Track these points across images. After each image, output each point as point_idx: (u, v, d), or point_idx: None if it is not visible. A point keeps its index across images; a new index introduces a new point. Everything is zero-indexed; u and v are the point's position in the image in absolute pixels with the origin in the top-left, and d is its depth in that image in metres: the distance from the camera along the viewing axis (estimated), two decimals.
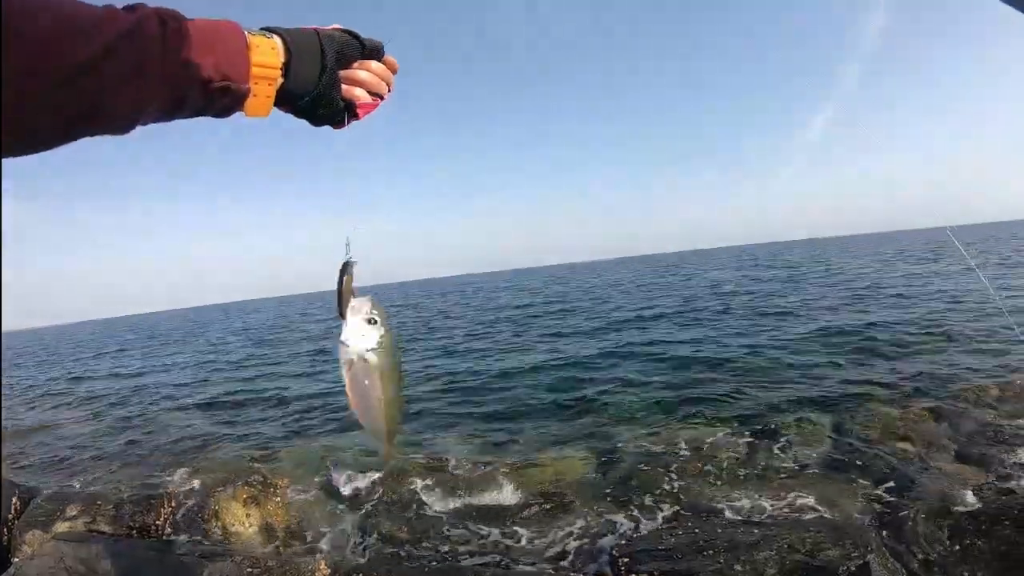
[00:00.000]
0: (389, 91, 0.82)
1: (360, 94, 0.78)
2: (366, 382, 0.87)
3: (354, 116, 0.79)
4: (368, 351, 0.85)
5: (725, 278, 26.34)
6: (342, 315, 0.85)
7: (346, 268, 0.85)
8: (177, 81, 0.58)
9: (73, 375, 17.00)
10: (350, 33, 0.76)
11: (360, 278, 0.88)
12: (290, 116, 0.76)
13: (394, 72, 0.81)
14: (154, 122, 0.61)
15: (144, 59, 0.53)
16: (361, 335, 0.85)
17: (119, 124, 0.56)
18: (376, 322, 0.86)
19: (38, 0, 0.47)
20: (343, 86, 0.76)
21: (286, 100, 0.71)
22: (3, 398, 12.99)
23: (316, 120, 0.76)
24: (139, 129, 0.61)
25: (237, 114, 0.67)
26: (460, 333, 15.58)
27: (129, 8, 0.55)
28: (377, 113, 0.81)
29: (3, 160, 0.50)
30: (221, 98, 0.63)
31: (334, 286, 0.84)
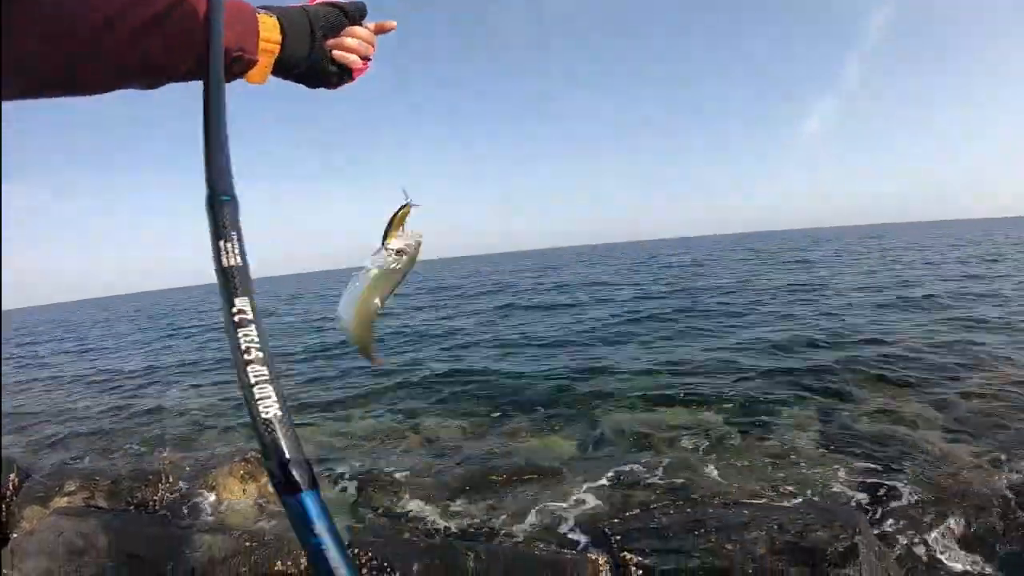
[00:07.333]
0: (373, 52, 0.90)
1: (352, 59, 0.87)
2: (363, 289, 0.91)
3: (349, 78, 0.88)
4: (381, 265, 0.91)
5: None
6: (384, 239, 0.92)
7: (406, 206, 0.93)
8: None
9: (79, 351, 17.09)
10: (334, 4, 0.85)
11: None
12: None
13: (379, 33, 0.91)
14: (176, 81, 0.69)
15: (191, 26, 0.63)
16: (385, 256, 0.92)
17: (158, 79, 0.67)
18: (403, 253, 0.92)
19: None
20: (337, 52, 0.85)
21: (282, 70, 0.81)
22: (8, 375, 13.09)
23: (311, 84, 0.86)
24: None
25: (239, 81, 0.78)
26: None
27: None
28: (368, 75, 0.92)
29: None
30: (234, 66, 0.72)
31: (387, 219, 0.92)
